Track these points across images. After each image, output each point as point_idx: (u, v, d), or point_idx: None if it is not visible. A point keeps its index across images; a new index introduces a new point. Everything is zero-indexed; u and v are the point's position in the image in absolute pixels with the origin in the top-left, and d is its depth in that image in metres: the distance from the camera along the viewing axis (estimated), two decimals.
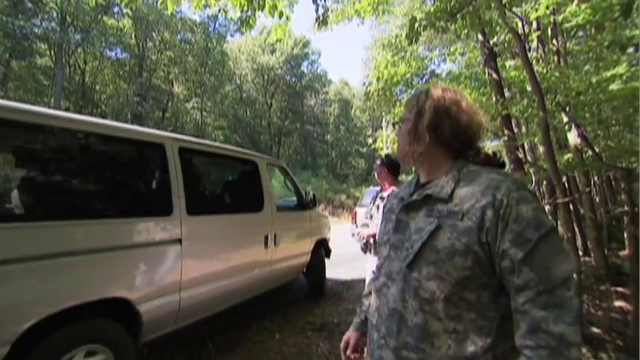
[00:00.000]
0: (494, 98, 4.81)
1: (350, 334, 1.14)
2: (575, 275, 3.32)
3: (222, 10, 3.84)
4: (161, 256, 2.42)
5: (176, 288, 2.49)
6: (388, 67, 6.83)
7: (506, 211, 0.74)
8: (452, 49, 7.95)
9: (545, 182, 6.52)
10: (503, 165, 0.93)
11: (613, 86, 3.63)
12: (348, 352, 1.13)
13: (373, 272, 2.73)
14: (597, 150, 4.93)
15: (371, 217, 2.76)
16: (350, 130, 34.49)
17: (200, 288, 2.71)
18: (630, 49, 3.49)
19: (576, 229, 5.74)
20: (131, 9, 18.83)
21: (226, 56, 24.44)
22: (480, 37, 4.84)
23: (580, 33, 5.70)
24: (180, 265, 2.51)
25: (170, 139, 2.70)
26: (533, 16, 4.04)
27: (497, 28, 5.26)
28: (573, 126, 4.79)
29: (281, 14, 3.48)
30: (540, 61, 5.57)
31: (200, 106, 22.76)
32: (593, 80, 3.80)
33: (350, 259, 6.40)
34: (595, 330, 3.66)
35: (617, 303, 4.54)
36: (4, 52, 15.39)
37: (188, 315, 2.67)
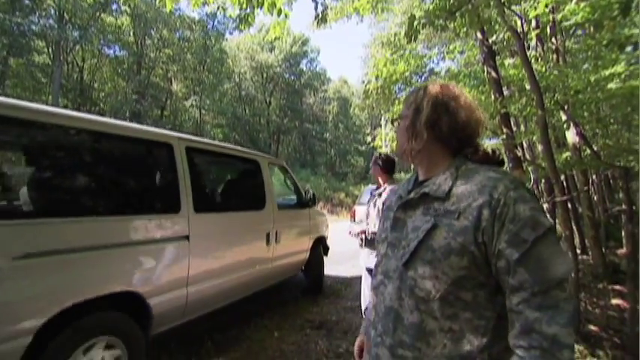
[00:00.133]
0: (493, 97, 4.81)
1: (361, 338, 1.12)
2: (573, 274, 3.33)
3: (220, 8, 3.83)
4: (170, 252, 2.51)
5: (183, 283, 2.58)
6: (387, 65, 6.82)
7: (502, 210, 0.74)
8: (451, 47, 7.94)
9: (543, 180, 6.52)
10: (502, 163, 0.92)
11: (611, 85, 3.64)
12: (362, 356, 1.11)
13: (367, 269, 2.74)
14: (595, 148, 4.94)
15: (367, 215, 2.78)
16: (349, 129, 34.48)
17: (206, 283, 2.79)
18: (629, 48, 3.50)
19: (574, 227, 5.75)
20: (129, 6, 18.80)
21: (225, 54, 24.37)
22: (479, 35, 4.84)
23: (579, 31, 5.71)
24: (187, 260, 2.60)
25: (178, 139, 2.78)
26: (532, 14, 4.03)
27: (497, 27, 5.25)
28: (572, 124, 4.80)
29: (280, 12, 3.47)
30: (539, 59, 5.57)
31: (199, 104, 22.72)
32: (592, 79, 3.80)
33: (349, 257, 6.41)
34: (592, 328, 3.67)
35: (615, 301, 4.56)
36: (2, 49, 15.32)
37: (194, 309, 2.76)
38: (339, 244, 6.27)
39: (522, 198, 0.75)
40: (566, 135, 5.46)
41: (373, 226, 2.66)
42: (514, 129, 6.06)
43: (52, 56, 17.58)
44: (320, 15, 4.21)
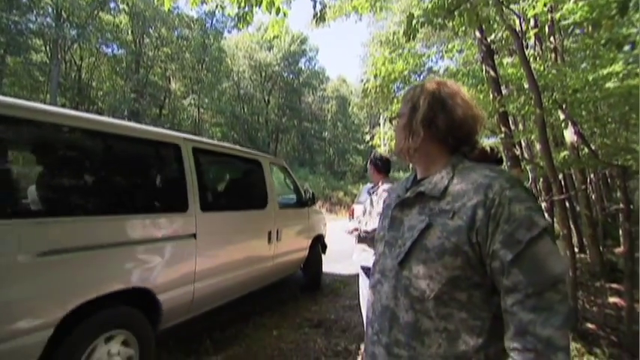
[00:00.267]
0: (491, 95, 4.81)
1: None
2: (570, 273, 3.34)
3: (219, 7, 3.82)
4: (178, 249, 2.60)
5: (190, 279, 2.68)
6: (386, 64, 6.81)
7: (497, 210, 0.72)
8: (449, 46, 7.93)
9: (541, 179, 6.54)
10: (500, 161, 0.91)
11: (609, 84, 3.64)
12: None
13: (362, 268, 2.74)
14: (593, 147, 4.94)
15: (364, 213, 2.78)
16: (347, 127, 34.46)
17: (211, 280, 2.89)
18: (627, 47, 3.51)
19: (572, 226, 5.77)
20: (127, 4, 18.73)
21: (223, 53, 24.29)
22: (478, 34, 4.83)
23: (577, 31, 5.71)
24: (194, 258, 2.70)
25: (184, 140, 2.89)
26: (530, 13, 4.02)
27: (495, 26, 5.25)
28: (570, 123, 4.82)
29: (278, 10, 3.47)
30: (537, 58, 5.57)
31: (197, 102, 22.65)
32: (590, 78, 3.80)
33: (347, 256, 6.37)
34: (590, 326, 3.69)
35: (612, 299, 4.58)
36: None
37: (200, 305, 2.87)
38: (338, 243, 6.27)
39: (518, 197, 0.73)
40: (564, 134, 5.48)
41: (364, 224, 2.66)
42: (512, 128, 6.07)
43: (49, 55, 17.50)
44: (318, 13, 4.21)
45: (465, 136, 0.88)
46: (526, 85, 4.52)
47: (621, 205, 4.15)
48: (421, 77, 8.86)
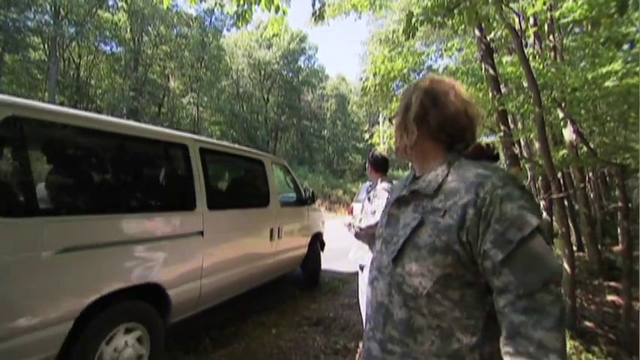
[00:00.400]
0: (490, 94, 4.81)
1: None
2: (569, 271, 3.34)
3: (218, 4, 3.81)
4: (187, 246, 2.71)
5: (198, 275, 2.78)
6: (385, 63, 6.80)
7: (488, 210, 0.71)
8: (449, 44, 7.93)
9: (540, 178, 6.55)
10: (496, 157, 0.90)
11: (608, 83, 3.64)
12: None
13: (360, 267, 2.74)
14: (592, 146, 4.95)
15: (361, 210, 2.79)
16: (347, 126, 34.41)
17: (217, 275, 2.99)
18: (626, 46, 3.50)
19: (571, 224, 5.79)
20: (126, 2, 18.65)
21: (223, 51, 24.21)
22: (477, 32, 4.83)
23: (576, 29, 5.70)
24: (201, 254, 2.81)
25: (192, 140, 3.00)
26: (530, 11, 4.03)
27: (495, 24, 5.24)
28: (569, 122, 4.82)
29: (277, 8, 3.45)
30: (537, 57, 5.57)
31: (196, 101, 22.58)
32: (589, 76, 3.80)
33: (346, 254, 6.41)
34: (588, 324, 3.71)
35: (610, 297, 4.60)
36: None
37: (207, 300, 2.96)
38: (337, 241, 6.27)
39: (510, 196, 0.72)
40: (563, 132, 5.48)
41: (358, 221, 2.66)
42: (511, 126, 6.08)
43: (48, 52, 17.40)
44: (317, 11, 4.20)
45: (458, 133, 0.87)
46: (525, 84, 4.52)
47: (619, 204, 4.16)
48: (420, 76, 8.84)
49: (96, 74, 20.66)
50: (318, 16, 4.26)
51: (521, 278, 0.68)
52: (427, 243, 0.77)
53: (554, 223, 4.30)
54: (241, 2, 3.44)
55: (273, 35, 4.09)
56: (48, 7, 16.66)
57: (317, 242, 5.13)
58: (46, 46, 17.51)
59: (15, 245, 1.74)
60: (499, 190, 0.72)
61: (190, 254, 2.73)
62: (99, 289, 2.05)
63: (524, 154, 7.49)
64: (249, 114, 27.38)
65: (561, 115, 4.66)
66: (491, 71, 4.76)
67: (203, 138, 3.32)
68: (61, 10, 16.73)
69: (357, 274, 2.84)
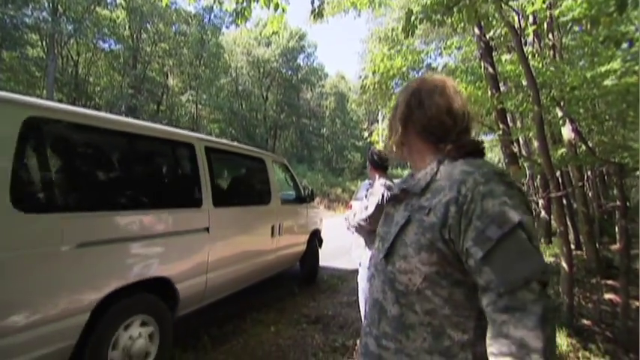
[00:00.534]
0: (489, 92, 4.82)
1: None
2: (567, 269, 3.35)
3: (217, 2, 3.81)
4: (193, 242, 2.81)
5: (204, 270, 2.88)
6: (384, 61, 6.80)
7: (469, 207, 0.71)
8: (448, 42, 7.93)
9: (539, 176, 6.57)
10: (481, 153, 0.88)
11: (607, 82, 3.65)
12: None
13: (360, 264, 2.74)
14: (591, 145, 4.97)
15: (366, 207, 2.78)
16: (346, 124, 34.40)
17: (221, 270, 3.09)
18: (625, 45, 3.51)
19: (569, 222, 5.80)
20: None
21: (221, 49, 24.12)
22: (477, 31, 4.84)
23: (576, 28, 5.71)
24: (207, 250, 2.91)
25: (198, 139, 3.09)
26: (529, 10, 4.03)
27: (494, 22, 5.25)
28: (567, 121, 4.83)
29: (277, 6, 3.45)
30: (536, 55, 5.58)
31: (195, 98, 22.53)
32: (588, 75, 3.81)
33: (345, 252, 6.42)
34: (585, 322, 3.73)
35: (607, 296, 4.62)
36: None
37: (211, 294, 3.05)
38: (336, 239, 6.29)
39: (492, 193, 0.71)
40: (562, 131, 5.49)
41: (353, 215, 2.66)
42: (510, 125, 6.09)
43: (46, 50, 17.32)
44: (317, 9, 4.18)
45: (443, 133, 0.86)
46: (524, 82, 4.52)
47: (617, 203, 4.17)
48: (420, 74, 8.85)
49: (94, 72, 20.58)
50: (318, 13, 4.24)
51: (501, 276, 0.67)
52: (413, 241, 0.78)
53: (553, 222, 4.31)
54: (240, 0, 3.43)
55: (273, 33, 4.08)
56: (46, 4, 16.56)
57: (315, 239, 5.23)
58: (44, 43, 17.42)
59: (36, 240, 1.81)
60: (481, 187, 0.72)
61: (197, 249, 2.83)
62: (113, 282, 2.13)
63: (523, 152, 7.51)
64: (248, 112, 27.33)
65: (560, 113, 4.66)
66: (490, 69, 4.76)
67: (207, 137, 3.39)
68: (59, 6, 16.64)
69: (356, 271, 2.84)
